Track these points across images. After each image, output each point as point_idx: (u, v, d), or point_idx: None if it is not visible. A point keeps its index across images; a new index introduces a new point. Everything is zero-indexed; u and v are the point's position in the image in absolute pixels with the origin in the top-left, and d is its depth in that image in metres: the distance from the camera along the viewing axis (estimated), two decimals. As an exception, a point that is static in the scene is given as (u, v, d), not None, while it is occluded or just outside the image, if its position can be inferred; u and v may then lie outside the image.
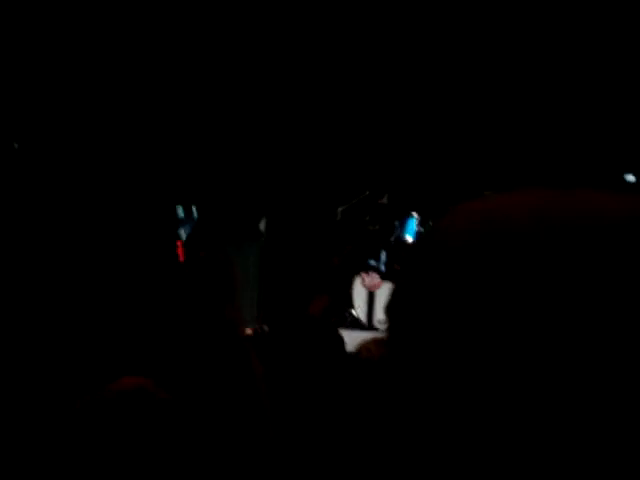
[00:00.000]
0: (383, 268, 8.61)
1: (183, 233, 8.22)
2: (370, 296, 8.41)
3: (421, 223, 8.75)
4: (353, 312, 8.41)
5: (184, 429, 1.96)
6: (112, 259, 7.27)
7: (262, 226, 8.95)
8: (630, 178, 8.36)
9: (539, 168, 8.45)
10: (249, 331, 5.87)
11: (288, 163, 9.03)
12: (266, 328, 6.57)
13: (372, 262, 8.65)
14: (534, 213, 0.69)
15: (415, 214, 8.82)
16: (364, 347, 3.26)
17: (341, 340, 3.45)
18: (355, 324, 8.26)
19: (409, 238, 8.77)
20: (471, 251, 0.69)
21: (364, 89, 8.84)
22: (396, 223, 8.91)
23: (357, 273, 8.48)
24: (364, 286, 8.42)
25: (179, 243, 8.08)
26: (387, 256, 8.69)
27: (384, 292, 8.27)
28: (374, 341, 3.33)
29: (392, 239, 8.86)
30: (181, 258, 7.87)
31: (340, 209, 9.01)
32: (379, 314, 8.34)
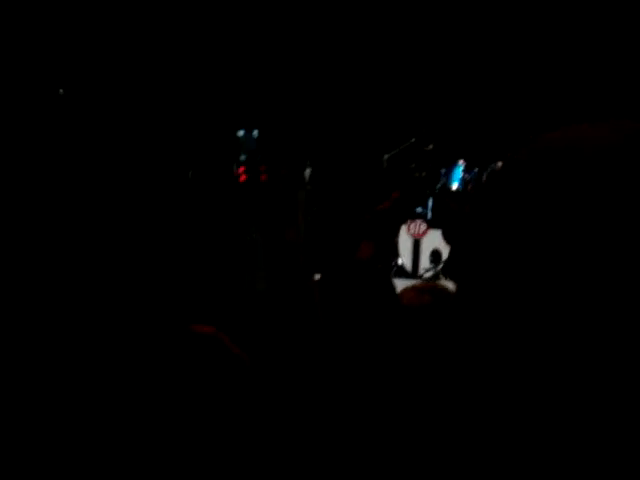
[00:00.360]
0: (429, 215, 8.58)
1: (244, 157, 8.19)
2: (415, 244, 8.40)
3: (467, 170, 8.69)
4: (399, 260, 8.41)
5: (250, 386, 1.97)
6: (175, 184, 7.29)
7: (307, 173, 8.95)
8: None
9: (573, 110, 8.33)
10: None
11: (336, 110, 8.99)
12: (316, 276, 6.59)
13: (419, 209, 8.62)
14: (627, 139, 0.67)
15: (461, 161, 8.76)
16: (405, 294, 3.24)
17: (392, 285, 3.45)
18: (400, 272, 8.26)
19: (455, 185, 8.73)
20: (559, 180, 0.65)
21: (410, 39, 8.75)
22: (442, 170, 8.86)
23: (404, 221, 8.46)
24: (410, 234, 8.40)
25: (241, 168, 8.07)
26: (434, 203, 8.66)
27: (430, 240, 8.25)
28: (414, 288, 3.32)
29: (438, 186, 8.81)
30: (242, 180, 7.87)
31: (386, 156, 8.97)
32: (424, 262, 8.33)
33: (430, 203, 8.67)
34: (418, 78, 8.93)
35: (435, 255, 8.24)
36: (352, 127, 9.04)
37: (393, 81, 8.92)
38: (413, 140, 8.91)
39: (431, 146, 8.93)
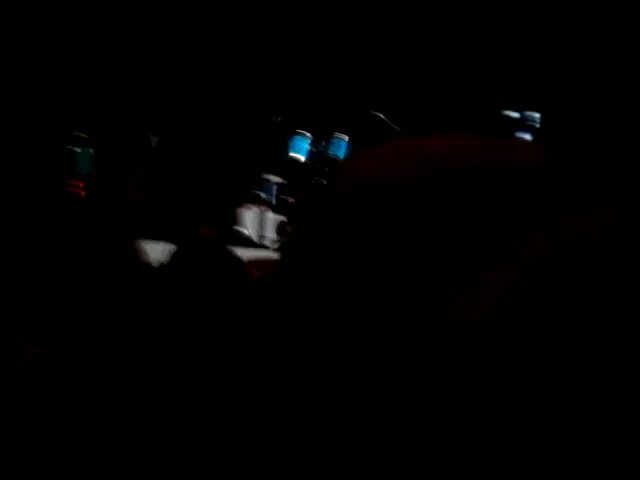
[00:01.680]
0: (274, 201, 8.65)
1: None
2: (261, 216, 8.47)
3: (313, 143, 8.79)
4: (244, 231, 8.45)
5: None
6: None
7: (153, 142, 8.84)
8: (514, 114, 8.51)
9: (419, 97, 8.54)
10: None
11: (181, 80, 8.90)
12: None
13: (262, 194, 8.67)
14: (472, 161, 0.70)
15: (307, 133, 8.84)
16: (251, 266, 3.27)
17: (240, 260, 3.46)
18: (246, 242, 8.30)
19: (301, 157, 8.80)
20: (403, 188, 0.69)
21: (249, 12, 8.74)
22: (289, 142, 8.92)
23: (248, 198, 8.51)
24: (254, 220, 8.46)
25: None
26: (278, 190, 8.72)
27: (274, 215, 8.35)
28: (260, 260, 3.35)
29: (285, 158, 8.87)
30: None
31: (234, 127, 8.96)
32: (270, 233, 8.40)
33: (275, 190, 8.71)
34: (264, 51, 8.94)
35: (281, 227, 8.32)
36: (199, 97, 8.98)
37: (239, 53, 8.90)
38: (260, 112, 8.93)
39: (278, 118, 8.97)
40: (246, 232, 8.43)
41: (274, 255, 7.61)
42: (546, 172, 0.74)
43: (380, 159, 0.75)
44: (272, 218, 8.35)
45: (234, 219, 8.35)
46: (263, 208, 8.50)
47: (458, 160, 0.73)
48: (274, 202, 8.64)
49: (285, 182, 8.67)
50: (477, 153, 0.75)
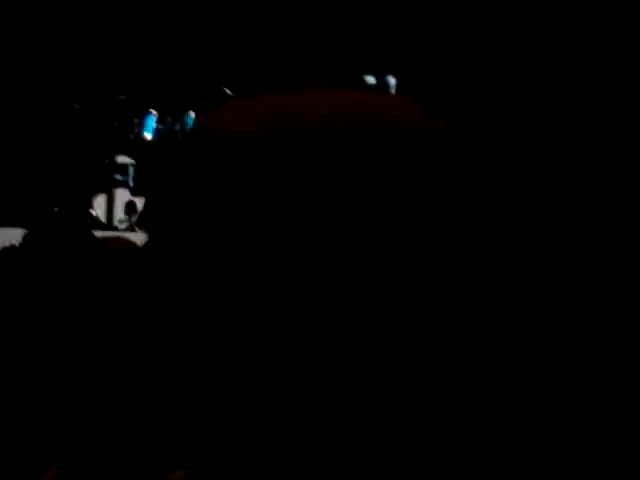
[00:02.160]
0: (132, 183, 8.49)
1: None
2: (109, 196, 8.30)
3: (159, 120, 8.67)
4: (92, 212, 8.27)
5: None
6: None
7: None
8: (370, 80, 8.60)
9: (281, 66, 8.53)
10: None
11: (19, 53, 8.61)
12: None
13: (119, 177, 8.50)
14: (336, 113, 0.67)
15: (153, 111, 8.71)
16: (112, 242, 3.20)
17: (94, 238, 3.38)
18: (95, 224, 8.12)
19: (148, 135, 8.67)
20: (262, 149, 0.66)
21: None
22: (135, 120, 8.77)
23: (104, 181, 8.33)
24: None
25: None
26: (135, 170, 8.54)
27: (124, 192, 8.19)
28: (113, 238, 3.29)
29: (131, 136, 8.72)
30: None
31: (77, 105, 8.75)
32: (119, 213, 8.25)
33: (132, 171, 8.55)
34: (105, 29, 8.74)
35: (130, 206, 8.18)
36: (40, 73, 8.72)
37: (80, 32, 8.68)
38: (104, 90, 8.75)
39: (123, 96, 8.81)
40: (94, 213, 8.25)
41: (124, 235, 7.49)
42: (426, 129, 0.72)
43: (248, 113, 0.73)
44: (122, 199, 8.20)
45: (84, 202, 8.16)
46: (119, 190, 8.34)
47: (321, 112, 0.71)
48: (131, 184, 8.48)
49: (138, 163, 8.51)
50: (347, 104, 0.72)
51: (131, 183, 8.48)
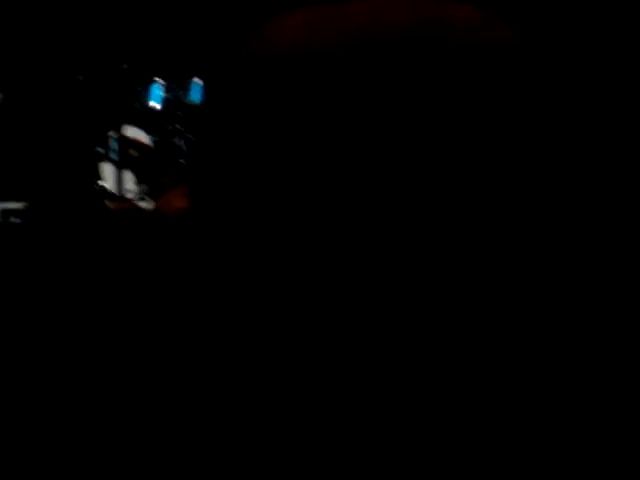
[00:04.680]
0: (115, 157, 8.39)
1: None
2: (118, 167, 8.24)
3: (166, 89, 8.59)
4: (104, 184, 8.22)
5: None
6: None
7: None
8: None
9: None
10: None
11: (21, 29, 8.52)
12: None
13: (101, 149, 8.40)
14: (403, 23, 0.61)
15: (159, 79, 8.63)
16: (163, 203, 3.12)
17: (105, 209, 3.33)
18: (105, 195, 8.08)
19: (154, 104, 8.59)
20: (327, 65, 0.60)
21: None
22: (139, 89, 8.69)
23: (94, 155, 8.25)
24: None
25: None
26: (119, 144, 8.42)
27: (108, 168, 8.14)
28: (172, 195, 3.21)
29: (137, 105, 8.64)
30: None
31: (81, 77, 8.66)
32: (128, 184, 8.19)
33: (115, 145, 8.44)
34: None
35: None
36: (40, 48, 8.64)
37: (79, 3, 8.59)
38: (108, 60, 8.65)
39: (125, 65, 8.72)
40: (106, 186, 8.20)
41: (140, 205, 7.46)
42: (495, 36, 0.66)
43: (295, 27, 0.67)
44: (108, 173, 8.12)
45: (91, 174, 8.11)
46: (103, 165, 8.25)
47: (388, 21, 0.64)
48: (116, 157, 8.39)
49: (129, 136, 8.40)
50: (407, 12, 0.66)
51: (115, 157, 8.39)
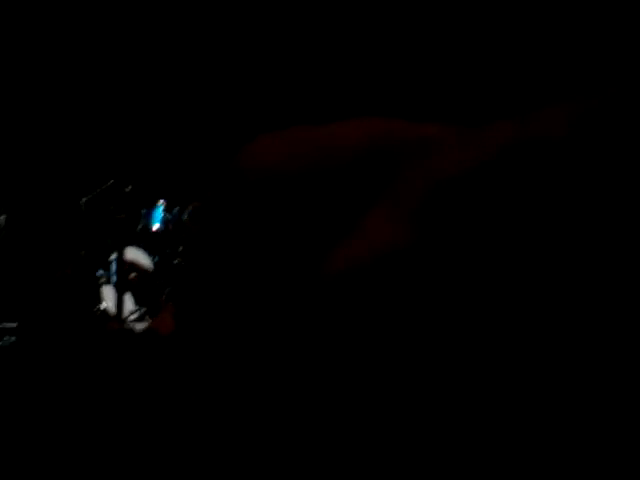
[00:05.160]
0: (114, 279, 8.40)
1: None
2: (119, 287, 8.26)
3: (167, 209, 8.70)
4: (102, 305, 8.22)
5: None
6: None
7: (2, 221, 8.58)
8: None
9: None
10: None
11: (26, 154, 8.69)
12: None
13: (100, 272, 8.45)
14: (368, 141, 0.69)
15: (162, 201, 8.75)
16: (158, 322, 3.15)
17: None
18: (105, 317, 8.07)
19: (156, 226, 8.69)
20: (294, 177, 0.67)
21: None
22: (143, 211, 8.80)
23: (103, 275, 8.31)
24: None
25: None
26: (118, 265, 8.43)
27: (109, 290, 8.17)
28: (166, 314, 3.23)
29: (139, 228, 8.74)
30: None
31: (84, 200, 8.78)
32: (129, 305, 8.19)
33: (114, 267, 8.47)
34: (113, 119, 8.84)
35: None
36: (47, 172, 8.78)
37: (86, 121, 8.77)
38: (111, 182, 8.78)
39: (130, 187, 8.84)
40: (103, 305, 8.20)
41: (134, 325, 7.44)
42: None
43: (277, 148, 0.79)
44: (108, 295, 8.13)
45: (90, 294, 8.12)
46: (105, 287, 8.27)
47: (346, 145, 0.70)
48: (114, 279, 8.40)
49: (127, 258, 8.37)
50: (366, 137, 0.72)
51: (114, 279, 8.39)
